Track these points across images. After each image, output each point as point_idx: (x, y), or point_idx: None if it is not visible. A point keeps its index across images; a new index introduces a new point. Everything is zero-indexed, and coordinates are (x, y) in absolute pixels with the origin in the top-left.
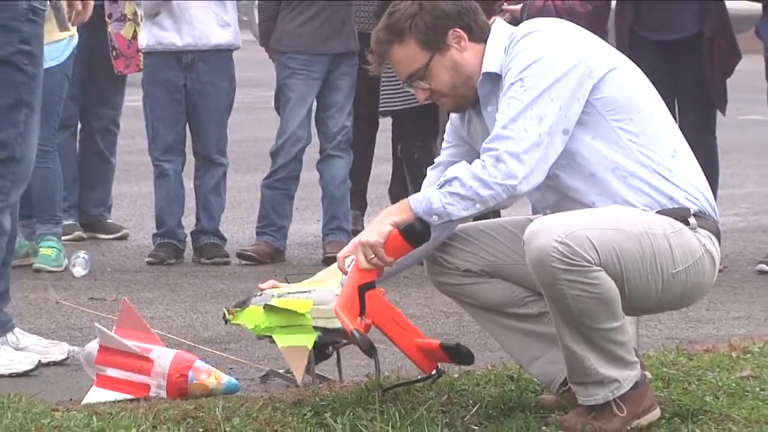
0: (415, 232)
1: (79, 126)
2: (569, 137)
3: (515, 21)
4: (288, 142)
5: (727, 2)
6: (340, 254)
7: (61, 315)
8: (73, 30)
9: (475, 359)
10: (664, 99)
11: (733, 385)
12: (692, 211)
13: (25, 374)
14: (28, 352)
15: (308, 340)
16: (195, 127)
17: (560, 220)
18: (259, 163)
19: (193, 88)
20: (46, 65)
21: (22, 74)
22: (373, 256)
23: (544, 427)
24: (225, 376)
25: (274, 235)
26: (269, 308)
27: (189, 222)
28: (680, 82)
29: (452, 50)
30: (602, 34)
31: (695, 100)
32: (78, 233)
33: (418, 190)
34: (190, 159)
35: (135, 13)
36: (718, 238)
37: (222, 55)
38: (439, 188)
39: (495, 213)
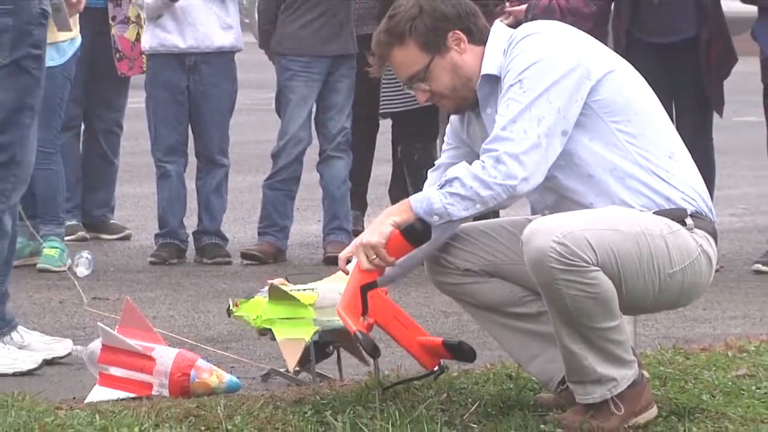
0: (415, 232)
1: (83, 127)
2: (568, 138)
3: (518, 23)
4: (289, 143)
5: (723, 4)
6: (342, 255)
7: (65, 314)
8: (76, 32)
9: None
10: (661, 101)
11: (729, 383)
12: (689, 212)
13: (29, 373)
14: (31, 351)
15: (307, 333)
16: (197, 128)
17: (558, 221)
18: (260, 164)
19: (195, 89)
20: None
21: (29, 77)
22: (374, 256)
23: (542, 426)
24: (226, 375)
25: (276, 235)
26: (275, 292)
27: (191, 222)
28: (677, 84)
29: (452, 52)
30: (603, 36)
31: (692, 102)
32: (81, 234)
33: (418, 190)
34: (192, 160)
35: (138, 16)
36: (715, 238)
37: (224, 57)
38: (440, 188)
39: (494, 213)
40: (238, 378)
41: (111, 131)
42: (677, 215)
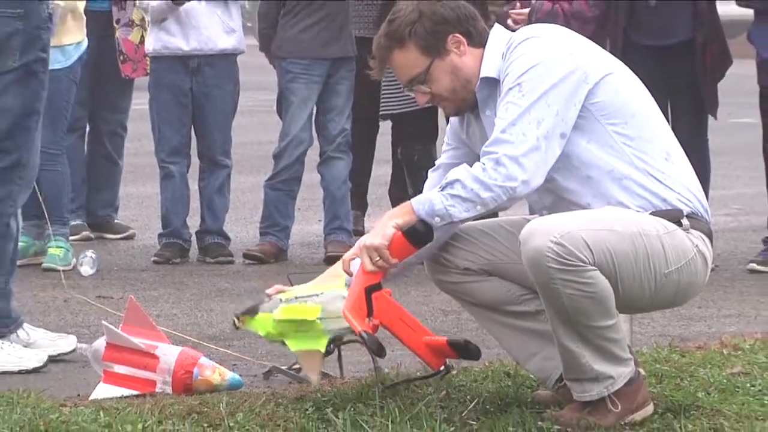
0: (418, 233)
1: (88, 129)
2: (566, 141)
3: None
4: (291, 144)
5: (719, 7)
6: (345, 257)
7: (69, 313)
8: (82, 36)
9: None
10: (657, 103)
11: (725, 381)
12: (685, 213)
13: (34, 371)
14: (37, 350)
15: (320, 344)
16: (200, 129)
17: (556, 221)
18: (262, 164)
19: (198, 91)
20: (50, 66)
21: (37, 81)
22: (378, 258)
23: (540, 422)
24: (229, 373)
25: (278, 234)
26: (279, 321)
27: (194, 222)
28: (673, 86)
29: (452, 55)
30: (602, 39)
31: (688, 103)
32: (86, 233)
33: (418, 191)
34: (195, 161)
35: (143, 19)
36: (711, 238)
37: (227, 59)
38: (441, 190)
39: (493, 213)
40: (240, 375)
41: (115, 133)
42: (673, 216)
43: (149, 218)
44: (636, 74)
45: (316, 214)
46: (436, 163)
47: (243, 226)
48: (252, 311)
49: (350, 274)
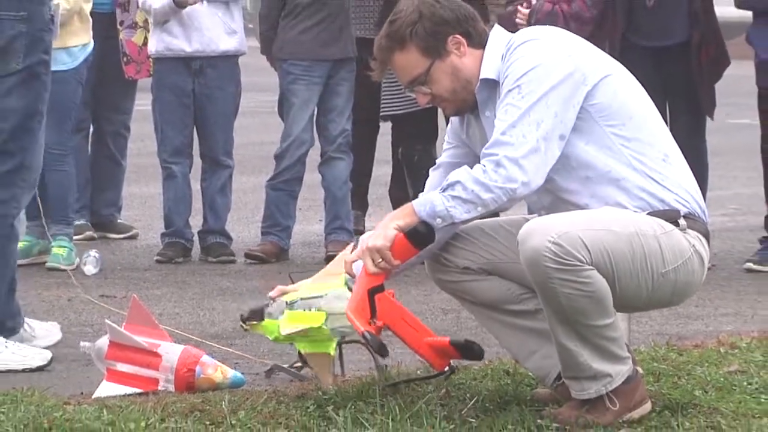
0: (419, 235)
1: (91, 129)
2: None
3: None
4: (292, 145)
5: (717, 9)
6: (348, 259)
7: (73, 312)
8: (88, 38)
9: None
10: (655, 103)
11: (722, 379)
12: (682, 213)
13: (38, 369)
14: (41, 348)
15: (329, 347)
16: (202, 130)
17: (553, 221)
18: (263, 165)
19: (200, 92)
20: (56, 68)
21: (40, 83)
22: (380, 260)
23: (539, 420)
24: (231, 371)
25: (279, 234)
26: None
27: (196, 222)
28: (671, 87)
29: (452, 56)
30: (601, 40)
31: (686, 104)
32: (89, 233)
33: (418, 192)
34: (197, 161)
35: (146, 21)
36: (708, 239)
37: (229, 61)
38: (442, 192)
39: (494, 213)
40: (242, 374)
41: (119, 133)
42: (670, 216)
43: (152, 218)
44: (634, 75)
45: (317, 214)
46: (437, 162)
47: (245, 226)
48: (258, 315)
49: (352, 276)
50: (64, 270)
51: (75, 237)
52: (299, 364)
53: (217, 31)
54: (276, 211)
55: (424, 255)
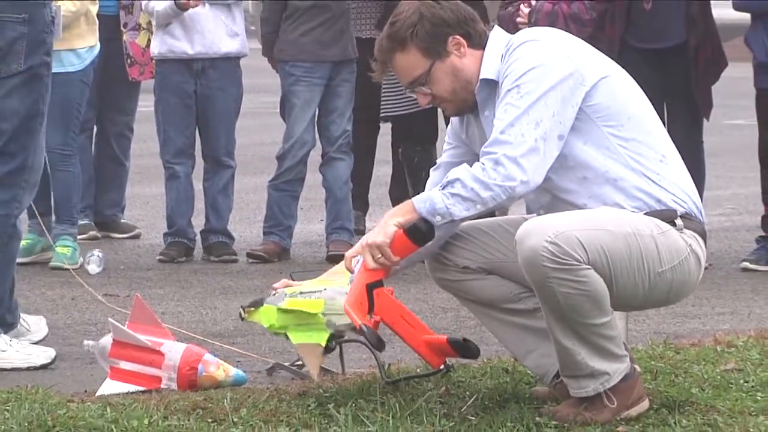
0: (419, 232)
1: (95, 130)
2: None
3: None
4: (294, 146)
5: (716, 11)
6: (348, 254)
7: (77, 310)
8: (95, 40)
9: None
10: (653, 104)
11: (718, 377)
12: (679, 213)
13: (42, 367)
14: (45, 347)
15: (321, 337)
16: (204, 131)
17: (551, 221)
18: (265, 165)
19: (203, 93)
20: (64, 69)
21: (42, 84)
22: (380, 256)
23: (537, 418)
24: (233, 369)
25: (281, 234)
26: (282, 311)
27: (198, 222)
28: (669, 88)
29: (452, 56)
30: (600, 42)
31: (683, 105)
32: (93, 233)
33: (418, 192)
34: (200, 162)
35: (149, 23)
36: (704, 238)
37: (230, 62)
38: (442, 189)
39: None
40: (244, 372)
41: (122, 134)
42: (667, 216)
43: (155, 218)
44: (632, 77)
45: (318, 213)
46: (438, 162)
47: (247, 226)
48: (257, 303)
49: (352, 272)
50: (68, 269)
51: (79, 236)
52: (300, 362)
53: (219, 34)
54: (278, 211)
55: (424, 254)
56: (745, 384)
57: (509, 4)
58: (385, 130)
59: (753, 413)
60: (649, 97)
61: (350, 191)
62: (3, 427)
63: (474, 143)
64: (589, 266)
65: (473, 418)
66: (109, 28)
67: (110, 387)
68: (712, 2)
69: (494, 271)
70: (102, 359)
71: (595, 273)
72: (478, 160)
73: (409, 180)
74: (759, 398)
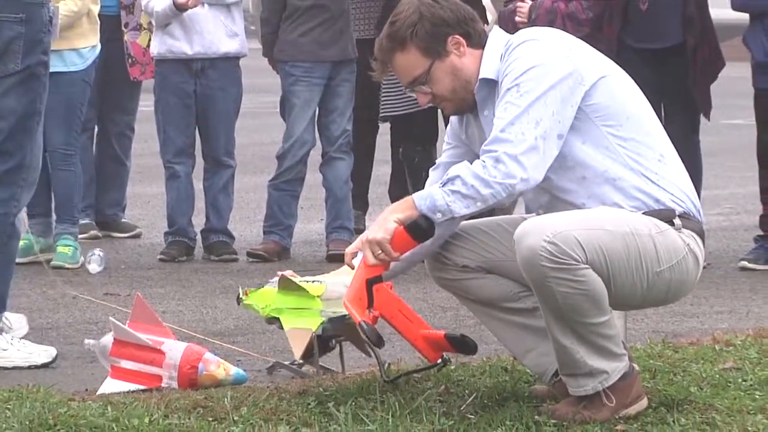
0: (420, 228)
1: (96, 130)
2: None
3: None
4: (294, 145)
5: (714, 11)
6: (348, 250)
7: (78, 309)
8: (96, 40)
9: None
10: (651, 104)
11: (717, 376)
12: (677, 213)
13: (43, 366)
14: (46, 346)
15: (314, 323)
16: (204, 130)
17: (549, 221)
18: (265, 165)
19: (202, 93)
20: (67, 69)
21: (39, 83)
22: (380, 251)
23: (536, 416)
24: (233, 368)
25: (281, 233)
26: (285, 282)
27: (199, 221)
28: (666, 88)
29: (452, 56)
30: (599, 41)
31: (680, 105)
32: (94, 232)
33: (418, 191)
34: (200, 161)
35: (150, 23)
36: (702, 238)
37: (230, 62)
38: (442, 186)
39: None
40: (244, 370)
41: (123, 134)
42: (666, 216)
43: (155, 217)
44: (630, 76)
45: (319, 213)
46: (437, 161)
47: (247, 225)
48: (258, 287)
49: (352, 267)
50: (69, 268)
51: (80, 236)
52: (300, 361)
53: (218, 34)
54: (278, 211)
55: (424, 253)
56: (744, 383)
57: (509, 2)
58: (384, 129)
59: (751, 412)
60: (646, 96)
61: (350, 191)
62: (4, 425)
63: (473, 143)
64: (588, 266)
65: (472, 416)
66: (111, 28)
67: (111, 386)
68: (710, 2)
69: (493, 270)
70: (103, 358)
71: (593, 272)
72: (479, 159)
73: (409, 180)
74: (757, 397)
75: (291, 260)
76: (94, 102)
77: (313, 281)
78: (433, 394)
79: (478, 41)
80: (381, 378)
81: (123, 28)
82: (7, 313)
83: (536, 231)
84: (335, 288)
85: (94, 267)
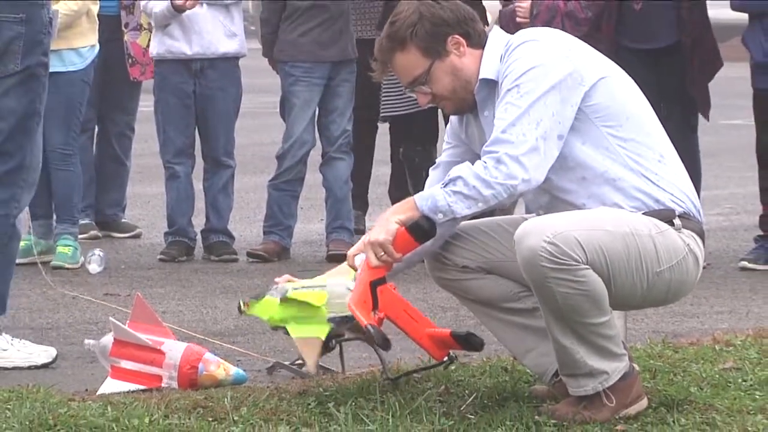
0: (421, 229)
1: (96, 130)
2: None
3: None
4: (294, 145)
5: (712, 11)
6: (350, 252)
7: (78, 310)
8: (95, 40)
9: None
10: (650, 104)
11: (717, 376)
12: (677, 213)
13: (43, 366)
14: (46, 346)
15: (321, 331)
16: (204, 131)
17: (549, 221)
18: (265, 165)
19: (202, 94)
20: (66, 69)
21: (39, 84)
22: (382, 253)
23: (536, 416)
24: (233, 368)
25: (281, 233)
26: (285, 300)
27: (199, 221)
28: (664, 88)
29: (452, 56)
30: (598, 42)
31: (679, 105)
32: (94, 232)
33: (418, 191)
34: (200, 161)
35: (150, 23)
36: (702, 238)
37: (229, 62)
38: (444, 187)
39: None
40: (244, 371)
41: (123, 134)
42: (665, 216)
43: (155, 217)
44: (629, 76)
45: (318, 213)
46: (437, 161)
47: (247, 225)
48: (258, 297)
49: (355, 269)
50: (69, 269)
51: (80, 236)
52: (300, 361)
53: (218, 34)
54: (278, 211)
55: (425, 253)
56: (744, 383)
57: (509, 2)
58: (384, 129)
59: (751, 412)
60: (645, 97)
61: (350, 191)
62: (4, 425)
63: (473, 143)
64: (588, 266)
65: (472, 416)
66: (111, 28)
67: (111, 386)
68: (708, 2)
69: (493, 270)
70: (103, 358)
71: (593, 273)
72: (480, 159)
73: (410, 180)
74: (757, 397)
75: (291, 260)
76: (94, 102)
77: (312, 287)
78: (433, 394)
79: (478, 41)
80: (385, 378)
81: (123, 29)
82: None
83: (536, 231)
84: (336, 289)
85: (94, 267)
